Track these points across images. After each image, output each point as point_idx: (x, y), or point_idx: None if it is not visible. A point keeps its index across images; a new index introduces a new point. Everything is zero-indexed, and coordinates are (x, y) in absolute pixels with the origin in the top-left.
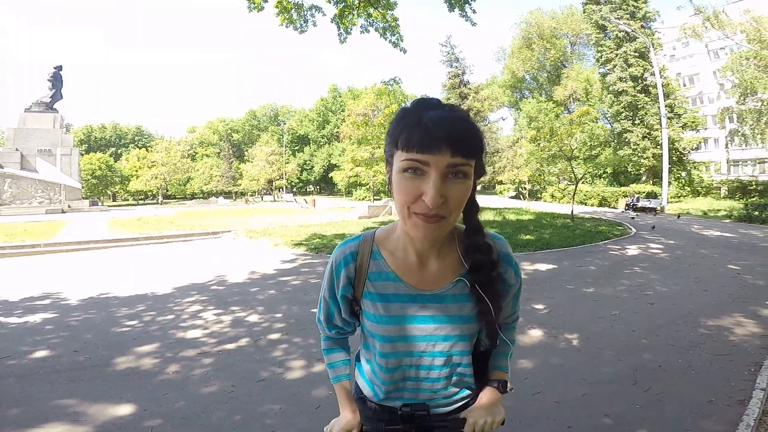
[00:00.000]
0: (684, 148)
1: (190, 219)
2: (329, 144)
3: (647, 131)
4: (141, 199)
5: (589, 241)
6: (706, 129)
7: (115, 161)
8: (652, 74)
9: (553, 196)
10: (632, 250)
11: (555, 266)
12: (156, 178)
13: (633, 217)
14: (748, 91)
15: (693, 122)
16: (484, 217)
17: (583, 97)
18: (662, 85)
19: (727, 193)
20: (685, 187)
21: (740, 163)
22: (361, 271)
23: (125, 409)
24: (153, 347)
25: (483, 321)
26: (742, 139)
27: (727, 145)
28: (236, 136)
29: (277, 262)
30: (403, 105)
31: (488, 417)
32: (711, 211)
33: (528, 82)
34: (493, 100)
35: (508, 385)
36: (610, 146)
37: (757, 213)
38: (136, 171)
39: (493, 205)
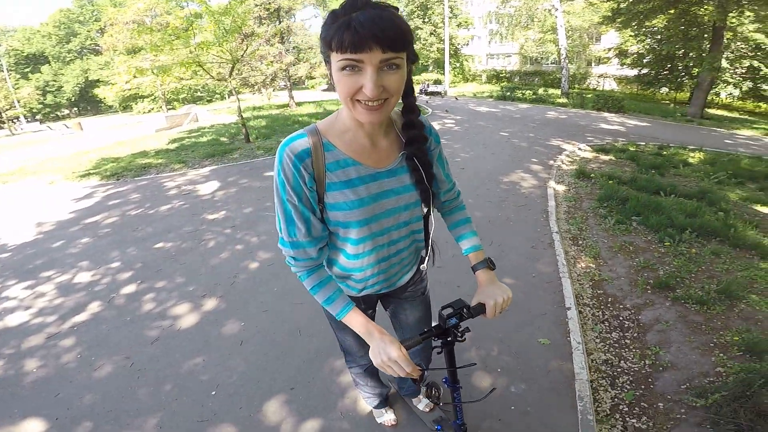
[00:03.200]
0: (459, 44)
1: None
2: (83, 59)
3: (434, 29)
4: None
5: None
6: (474, 28)
7: None
8: None
9: None
10: (435, 126)
11: None
12: None
13: (427, 101)
14: None
15: (466, 22)
16: (305, 110)
17: None
18: None
19: (486, 80)
20: (459, 75)
21: (495, 56)
22: (318, 165)
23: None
24: None
25: (419, 188)
26: (499, 37)
27: (490, 42)
28: None
29: (69, 203)
30: (331, 9)
31: (502, 295)
32: (478, 93)
33: None
34: None
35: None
36: None
37: (509, 93)
38: None
39: (309, 99)
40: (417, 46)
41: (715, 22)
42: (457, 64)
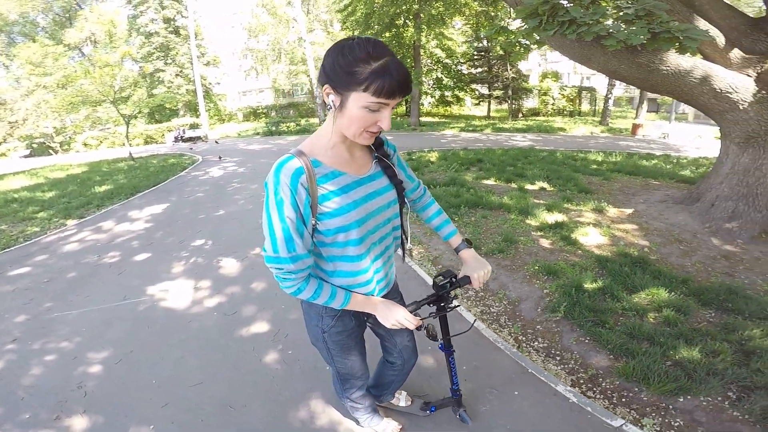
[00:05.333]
0: (210, 83)
1: None
2: None
3: (180, 70)
4: None
5: (172, 174)
6: (223, 65)
7: None
8: (184, 17)
9: (86, 144)
10: (216, 172)
11: (167, 204)
12: None
13: (191, 148)
14: (260, 34)
15: (214, 60)
16: (18, 182)
17: (105, 39)
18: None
19: (243, 117)
20: (214, 116)
21: (248, 92)
22: (311, 179)
23: None
24: None
25: (394, 183)
26: (255, 72)
27: (246, 77)
28: None
29: None
30: (354, 42)
31: (483, 269)
32: (242, 132)
33: (23, 25)
34: None
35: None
36: (142, 87)
37: (274, 128)
38: None
39: (8, 169)
40: (161, 90)
41: (414, 41)
42: (211, 105)
